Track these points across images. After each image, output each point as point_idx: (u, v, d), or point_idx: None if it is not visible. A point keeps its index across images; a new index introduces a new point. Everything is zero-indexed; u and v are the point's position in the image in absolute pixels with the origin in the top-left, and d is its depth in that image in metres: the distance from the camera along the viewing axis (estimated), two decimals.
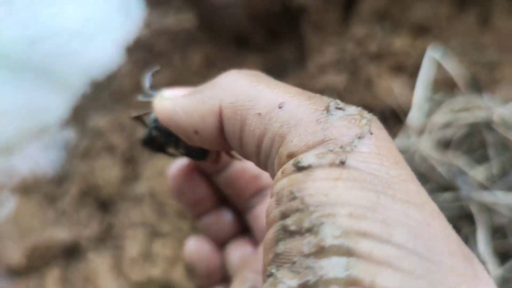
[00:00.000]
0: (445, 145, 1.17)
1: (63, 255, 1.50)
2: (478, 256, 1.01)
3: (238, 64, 2.01)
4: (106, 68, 2.15)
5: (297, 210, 0.20)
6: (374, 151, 0.21)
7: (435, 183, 1.12)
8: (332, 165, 0.20)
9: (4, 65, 2.30)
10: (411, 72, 1.56)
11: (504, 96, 1.28)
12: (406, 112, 1.34)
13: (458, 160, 1.09)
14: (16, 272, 1.53)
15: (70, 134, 1.85)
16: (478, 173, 1.06)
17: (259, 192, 0.35)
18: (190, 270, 0.31)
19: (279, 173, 0.22)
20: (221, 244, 0.36)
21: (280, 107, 0.24)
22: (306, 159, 0.21)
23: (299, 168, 0.21)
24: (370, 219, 0.18)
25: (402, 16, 1.69)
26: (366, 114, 0.23)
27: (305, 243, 0.19)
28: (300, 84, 1.73)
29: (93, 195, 1.54)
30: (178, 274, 1.30)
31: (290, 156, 0.22)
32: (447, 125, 1.17)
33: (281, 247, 0.20)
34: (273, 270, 0.20)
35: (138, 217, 1.39)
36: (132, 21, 2.32)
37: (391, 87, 1.45)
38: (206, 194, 0.34)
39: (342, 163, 0.20)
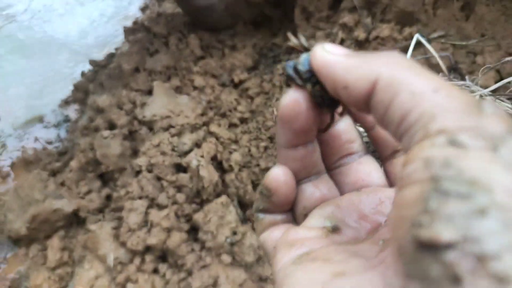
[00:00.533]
0: None
1: (63, 225, 1.55)
2: None
3: (232, 47, 2.07)
4: (105, 48, 2.20)
5: (453, 178, 0.22)
6: None
7: None
8: (486, 149, 0.23)
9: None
10: None
11: (484, 82, 1.36)
12: None
13: None
14: (17, 242, 1.58)
15: (70, 111, 1.90)
16: None
17: (348, 155, 0.39)
18: (263, 194, 0.32)
19: (427, 143, 0.25)
20: (297, 180, 0.38)
21: (434, 91, 0.26)
22: (461, 137, 0.23)
23: (452, 143, 0.23)
24: None
25: (391, 3, 1.75)
26: (510, 117, 0.26)
27: (464, 206, 0.21)
28: None
29: (93, 169, 1.59)
30: (174, 244, 1.36)
31: (440, 132, 0.24)
32: None
33: (434, 204, 0.22)
34: (424, 221, 0.22)
35: (136, 190, 1.44)
36: (131, 4, 2.36)
37: None
38: (313, 126, 0.35)
39: (495, 148, 0.23)
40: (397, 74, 0.27)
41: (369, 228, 0.33)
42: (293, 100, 0.34)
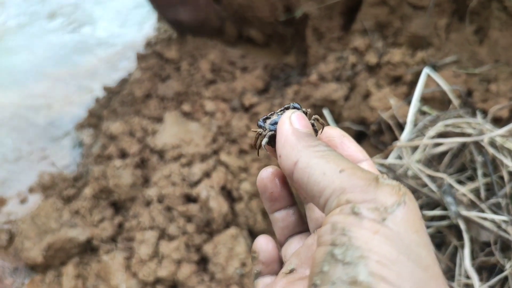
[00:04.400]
0: (438, 161, 1.23)
1: (77, 253, 1.59)
2: (465, 272, 1.08)
3: (243, 68, 2.07)
4: (118, 74, 2.22)
5: (344, 244, 0.29)
6: (404, 218, 0.30)
7: (426, 199, 1.18)
8: (375, 220, 0.29)
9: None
10: (408, 83, 1.61)
11: (497, 112, 1.33)
12: (402, 125, 1.39)
13: (449, 178, 1.13)
14: (34, 269, 1.63)
15: (85, 137, 1.94)
16: (467, 191, 1.12)
17: None
18: (254, 256, 0.43)
19: (337, 210, 0.31)
20: (284, 238, 0.47)
21: (340, 172, 0.33)
22: (360, 209, 0.30)
23: (354, 213, 0.30)
24: (390, 269, 0.27)
25: (402, 27, 1.73)
26: (402, 187, 0.32)
27: (344, 273, 0.27)
28: (303, 92, 1.78)
29: (106, 196, 1.63)
30: (184, 275, 1.38)
31: (348, 202, 0.31)
32: (439, 143, 1.22)
33: (326, 267, 0.29)
34: (318, 282, 0.28)
35: (147, 221, 1.47)
36: (144, 31, 2.39)
37: (388, 100, 1.51)
38: (282, 195, 0.45)
39: (383, 220, 0.29)
40: (309, 161, 0.35)
41: None
42: (264, 176, 0.44)
